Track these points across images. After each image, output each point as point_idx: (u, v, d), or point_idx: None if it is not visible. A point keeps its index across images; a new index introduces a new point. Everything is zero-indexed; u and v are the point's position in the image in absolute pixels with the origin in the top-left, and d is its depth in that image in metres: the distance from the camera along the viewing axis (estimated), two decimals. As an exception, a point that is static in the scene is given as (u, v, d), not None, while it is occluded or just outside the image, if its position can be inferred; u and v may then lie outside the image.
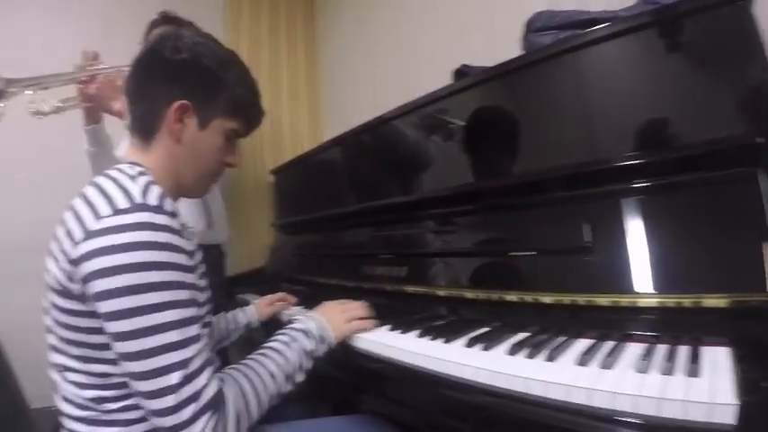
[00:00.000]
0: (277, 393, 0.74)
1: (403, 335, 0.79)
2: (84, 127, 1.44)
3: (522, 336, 0.68)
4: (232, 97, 0.79)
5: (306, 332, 0.80)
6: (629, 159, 0.73)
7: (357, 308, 0.88)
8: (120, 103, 1.40)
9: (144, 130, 0.77)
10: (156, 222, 0.63)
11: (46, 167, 1.84)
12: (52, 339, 0.71)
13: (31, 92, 1.32)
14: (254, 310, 1.19)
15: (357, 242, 1.31)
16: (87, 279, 0.62)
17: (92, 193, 0.67)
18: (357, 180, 1.38)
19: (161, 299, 0.62)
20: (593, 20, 1.04)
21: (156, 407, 0.61)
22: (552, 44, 0.93)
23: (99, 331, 0.65)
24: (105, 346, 0.66)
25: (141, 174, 0.70)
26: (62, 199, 1.66)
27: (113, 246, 0.61)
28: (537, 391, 0.52)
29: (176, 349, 0.62)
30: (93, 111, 1.44)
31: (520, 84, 0.93)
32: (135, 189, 0.65)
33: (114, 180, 0.67)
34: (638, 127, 0.75)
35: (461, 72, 1.24)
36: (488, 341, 0.66)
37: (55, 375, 0.72)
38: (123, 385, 0.67)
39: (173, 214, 0.66)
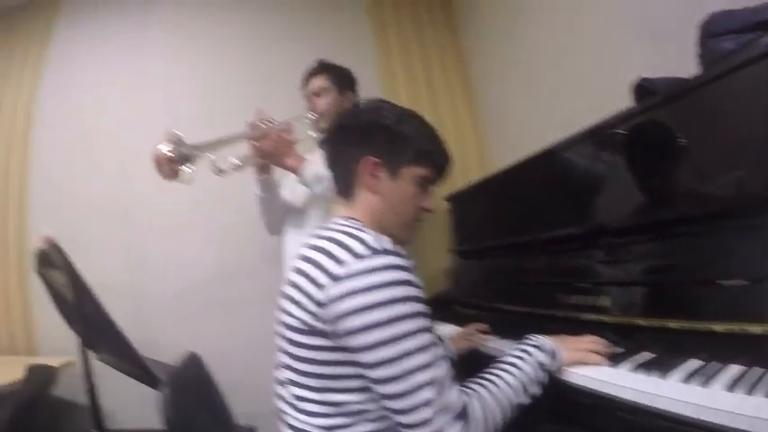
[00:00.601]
0: (516, 404, 0.81)
1: (614, 369, 0.84)
2: (256, 176, 1.65)
3: (735, 369, 0.70)
4: (414, 147, 0.90)
5: (539, 347, 0.87)
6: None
7: (589, 341, 0.92)
8: (293, 159, 1.53)
9: (345, 189, 0.92)
10: (397, 263, 0.74)
11: (224, 213, 2.19)
12: (288, 374, 0.82)
13: (212, 154, 1.42)
14: (450, 344, 1.25)
15: (543, 269, 1.34)
16: (339, 318, 0.72)
17: (327, 245, 0.78)
18: (537, 207, 1.41)
19: (411, 327, 0.72)
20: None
21: (412, 421, 0.72)
22: (746, 50, 0.87)
23: (342, 363, 0.76)
24: (345, 377, 0.76)
25: (361, 225, 0.82)
26: (239, 237, 2.03)
27: (364, 287, 0.71)
28: (763, 429, 0.56)
29: (427, 369, 0.72)
30: (267, 164, 1.60)
31: (706, 99, 0.90)
32: (368, 238, 0.76)
33: (344, 233, 0.79)
34: None
35: (643, 88, 1.15)
36: (704, 376, 0.69)
37: (284, 406, 0.83)
38: (356, 413, 0.77)
39: (405, 255, 0.77)
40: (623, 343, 0.95)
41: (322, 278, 0.75)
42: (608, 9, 1.57)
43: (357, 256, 0.74)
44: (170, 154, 1.30)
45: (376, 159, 0.88)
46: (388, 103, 0.97)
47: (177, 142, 1.31)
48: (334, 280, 0.73)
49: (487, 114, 2.44)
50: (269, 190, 1.72)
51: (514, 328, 1.17)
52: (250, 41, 2.47)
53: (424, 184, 0.93)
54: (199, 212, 2.22)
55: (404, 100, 2.35)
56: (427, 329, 0.75)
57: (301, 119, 1.69)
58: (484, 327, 1.33)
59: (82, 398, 1.40)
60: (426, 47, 2.49)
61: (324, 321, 0.75)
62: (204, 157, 1.38)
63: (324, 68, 1.83)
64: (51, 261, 1.20)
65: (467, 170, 2.33)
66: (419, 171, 0.91)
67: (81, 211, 2.19)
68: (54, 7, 2.34)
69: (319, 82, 1.79)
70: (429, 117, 2.19)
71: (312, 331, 0.77)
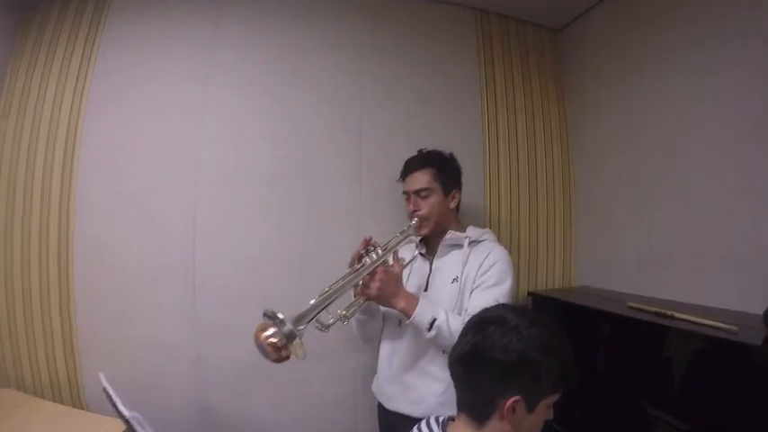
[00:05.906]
0: None
1: None
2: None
3: None
4: (556, 376, 0.88)
5: None
6: None
7: None
8: (402, 300, 1.37)
9: (478, 415, 0.90)
10: None
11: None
12: None
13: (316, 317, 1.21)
14: None
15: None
16: None
17: None
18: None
19: None
20: None
21: None
22: None
23: None
24: None
25: None
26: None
27: None
28: None
29: None
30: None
31: None
32: None
33: None
34: None
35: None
36: None
37: None
38: None
39: None
40: None
41: None
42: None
43: None
44: (274, 340, 1.08)
45: (518, 397, 0.86)
46: (536, 325, 0.90)
47: (278, 322, 1.10)
48: None
49: (582, 239, 2.31)
50: (370, 314, 1.55)
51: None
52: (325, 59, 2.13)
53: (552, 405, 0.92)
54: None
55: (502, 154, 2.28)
56: None
57: (406, 233, 1.53)
58: None
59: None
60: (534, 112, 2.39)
61: None
62: (310, 324, 1.20)
63: (427, 162, 1.58)
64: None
65: (552, 279, 2.31)
66: (554, 398, 0.90)
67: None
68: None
69: (422, 180, 1.56)
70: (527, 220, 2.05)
71: None
